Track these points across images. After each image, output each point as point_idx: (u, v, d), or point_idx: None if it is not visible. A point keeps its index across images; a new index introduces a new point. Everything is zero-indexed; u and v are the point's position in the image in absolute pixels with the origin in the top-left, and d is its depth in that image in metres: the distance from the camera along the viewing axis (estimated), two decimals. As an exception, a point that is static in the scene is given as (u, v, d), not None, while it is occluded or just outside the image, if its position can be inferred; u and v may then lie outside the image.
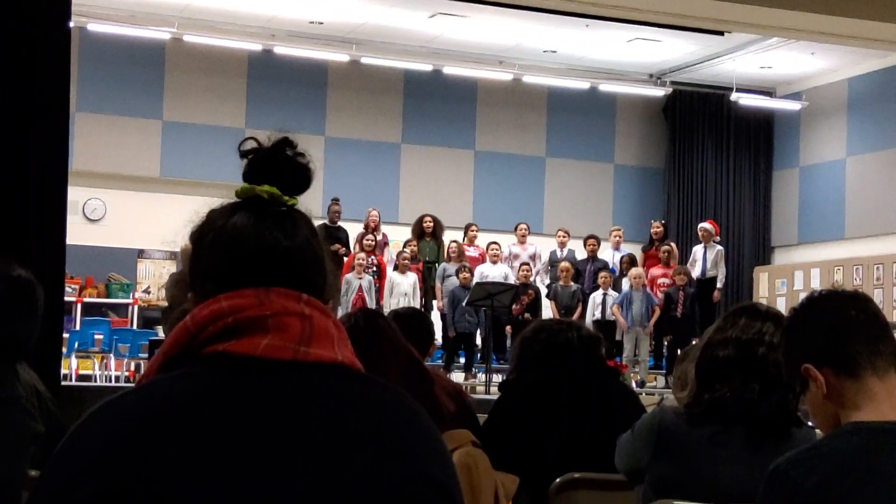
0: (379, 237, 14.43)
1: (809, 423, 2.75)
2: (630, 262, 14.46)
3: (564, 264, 14.03)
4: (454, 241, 14.20)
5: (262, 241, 1.45)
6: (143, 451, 1.30)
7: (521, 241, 14.85)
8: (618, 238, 15.04)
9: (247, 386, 1.36)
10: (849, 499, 1.88)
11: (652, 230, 15.07)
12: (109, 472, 1.29)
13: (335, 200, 14.34)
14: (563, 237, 14.84)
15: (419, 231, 14.31)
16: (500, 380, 12.97)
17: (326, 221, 14.11)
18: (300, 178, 1.51)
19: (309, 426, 1.35)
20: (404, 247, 14.07)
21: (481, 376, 12.98)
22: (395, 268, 13.63)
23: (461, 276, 13.40)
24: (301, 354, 1.39)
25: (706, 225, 14.84)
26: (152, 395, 1.36)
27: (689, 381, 3.09)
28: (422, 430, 1.43)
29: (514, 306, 13.14)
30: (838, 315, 2.09)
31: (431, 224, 14.29)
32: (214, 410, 1.34)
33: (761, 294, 16.88)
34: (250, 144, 1.51)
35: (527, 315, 13.27)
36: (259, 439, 1.33)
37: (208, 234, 1.47)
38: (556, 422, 3.82)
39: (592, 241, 14.70)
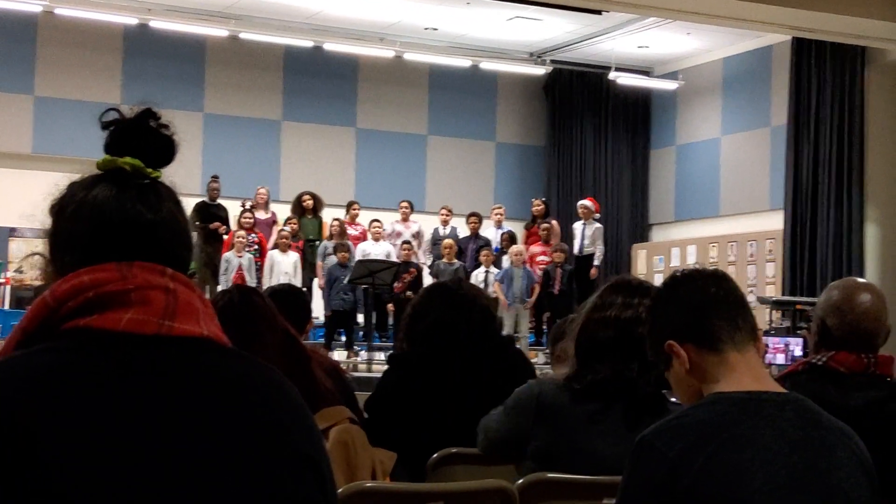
0: (268, 215, 14.30)
1: (673, 399, 2.81)
2: (510, 239, 14.60)
3: (447, 242, 14.09)
4: (336, 220, 14.14)
5: (124, 213, 1.42)
6: (4, 427, 1.26)
7: (404, 219, 14.86)
8: (499, 216, 15.16)
9: (109, 361, 1.33)
10: (712, 464, 1.93)
11: (533, 208, 15.22)
12: None
13: (214, 178, 14.15)
14: (446, 215, 14.90)
15: (299, 209, 14.21)
16: (383, 357, 13.03)
17: (205, 199, 13.92)
18: (163, 149, 1.48)
19: (173, 401, 1.33)
20: (284, 225, 13.96)
21: (364, 354, 12.98)
22: (276, 246, 13.52)
23: (339, 254, 13.38)
24: (165, 329, 1.37)
25: (586, 202, 15.04)
26: (11, 371, 1.32)
27: (570, 358, 3.12)
28: (289, 404, 1.42)
29: (395, 284, 13.15)
30: (700, 293, 2.16)
31: (311, 202, 14.20)
32: (76, 386, 1.31)
33: (639, 270, 17.18)
34: (112, 115, 1.48)
35: (409, 293, 13.30)
36: (123, 415, 1.30)
37: (68, 207, 1.44)
38: (446, 395, 3.81)
39: (474, 218, 14.79)
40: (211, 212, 13.71)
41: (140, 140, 1.46)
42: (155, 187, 1.46)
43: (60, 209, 1.45)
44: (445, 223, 14.86)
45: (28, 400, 1.28)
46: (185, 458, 1.30)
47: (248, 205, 14.18)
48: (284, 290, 4.44)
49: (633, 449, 2.01)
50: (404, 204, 14.90)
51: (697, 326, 2.13)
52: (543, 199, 15.98)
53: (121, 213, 1.42)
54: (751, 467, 1.94)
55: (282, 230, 13.67)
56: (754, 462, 1.94)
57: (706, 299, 2.14)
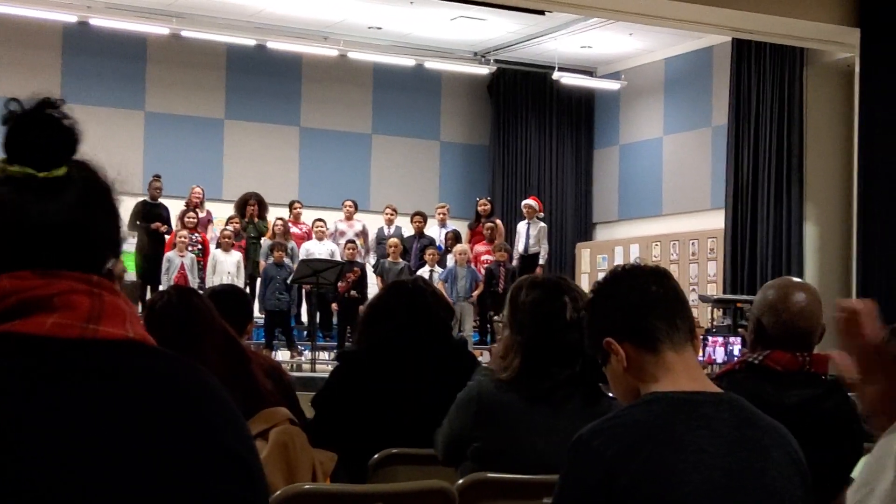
0: (203, 214, 14.19)
1: (610, 395, 2.83)
2: (454, 238, 14.61)
3: (392, 241, 14.08)
4: (280, 219, 14.07)
5: (27, 217, 1.37)
6: None
7: (348, 218, 14.82)
8: (443, 215, 15.17)
9: (31, 365, 1.31)
10: (648, 465, 1.93)
11: (479, 207, 15.25)
12: None
13: (156, 177, 14.03)
14: (391, 214, 14.89)
15: (243, 212, 14.10)
16: (327, 357, 13.00)
17: (147, 198, 13.79)
18: (65, 142, 1.40)
19: (98, 403, 1.31)
20: (227, 224, 13.84)
21: (307, 354, 12.93)
22: (218, 245, 13.43)
23: (275, 253, 13.32)
24: (89, 332, 1.35)
25: (530, 201, 15.09)
26: None
27: (510, 365, 3.11)
28: (216, 403, 1.40)
29: (340, 284, 13.12)
30: (639, 291, 2.15)
31: (255, 208, 14.07)
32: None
33: (583, 269, 17.30)
34: (14, 106, 1.40)
35: (353, 292, 13.28)
36: (47, 419, 1.28)
37: None
38: (400, 396, 3.79)
39: (419, 217, 14.78)
40: (152, 211, 13.59)
41: (38, 133, 1.39)
42: (60, 184, 1.39)
43: None
44: (390, 222, 14.85)
45: None
46: (111, 459, 1.29)
47: (192, 205, 14.09)
48: (224, 291, 4.40)
49: (569, 448, 2.01)
50: (348, 203, 14.86)
51: (636, 325, 2.12)
52: (489, 198, 16.02)
53: (23, 217, 1.37)
54: (687, 468, 1.94)
55: (224, 230, 13.57)
56: (690, 463, 1.95)
57: (645, 298, 2.14)
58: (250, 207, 14.02)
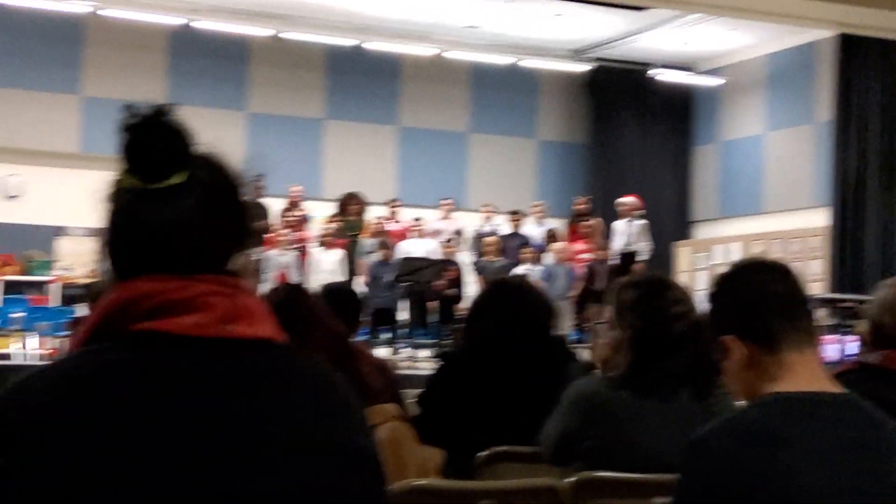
0: (302, 213, 14.37)
1: (725, 390, 2.81)
2: (552, 236, 14.57)
3: (490, 239, 14.10)
4: (379, 217, 14.19)
5: (145, 224, 1.41)
6: (65, 418, 1.29)
7: (446, 217, 14.88)
8: (541, 213, 15.14)
9: (170, 360, 1.36)
10: (766, 466, 1.92)
11: (577, 205, 15.19)
12: (31, 440, 1.28)
13: (258, 177, 14.22)
14: (489, 212, 14.91)
15: (345, 208, 14.25)
16: (426, 355, 13.04)
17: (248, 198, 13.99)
18: (177, 150, 1.43)
19: (233, 400, 1.36)
20: (329, 222, 14.00)
21: (406, 351, 12.99)
22: (318, 244, 13.58)
23: (381, 252, 13.42)
24: (226, 332, 1.39)
25: (629, 199, 14.98)
26: (77, 367, 1.36)
27: (621, 363, 3.11)
28: (344, 401, 1.44)
29: (438, 282, 13.17)
30: (758, 289, 2.12)
31: (355, 206, 14.22)
32: (137, 383, 1.33)
33: (682, 268, 17.09)
34: (128, 114, 1.43)
35: (451, 290, 13.32)
36: (182, 412, 1.33)
37: (110, 215, 1.45)
38: (501, 395, 3.80)
39: (516, 216, 14.78)
40: (254, 210, 13.78)
41: (151, 143, 1.42)
42: (177, 191, 1.42)
43: (106, 215, 1.46)
44: (488, 220, 14.87)
45: (88, 393, 1.31)
46: (241, 454, 1.33)
47: (292, 203, 14.28)
48: (335, 289, 4.47)
49: (686, 449, 2.00)
50: (446, 201, 14.92)
51: (754, 324, 2.09)
52: (587, 196, 15.93)
53: (142, 225, 1.42)
54: (806, 469, 1.92)
55: (326, 228, 13.73)
56: (810, 464, 1.92)
57: (765, 296, 2.09)
58: (351, 206, 14.16)
